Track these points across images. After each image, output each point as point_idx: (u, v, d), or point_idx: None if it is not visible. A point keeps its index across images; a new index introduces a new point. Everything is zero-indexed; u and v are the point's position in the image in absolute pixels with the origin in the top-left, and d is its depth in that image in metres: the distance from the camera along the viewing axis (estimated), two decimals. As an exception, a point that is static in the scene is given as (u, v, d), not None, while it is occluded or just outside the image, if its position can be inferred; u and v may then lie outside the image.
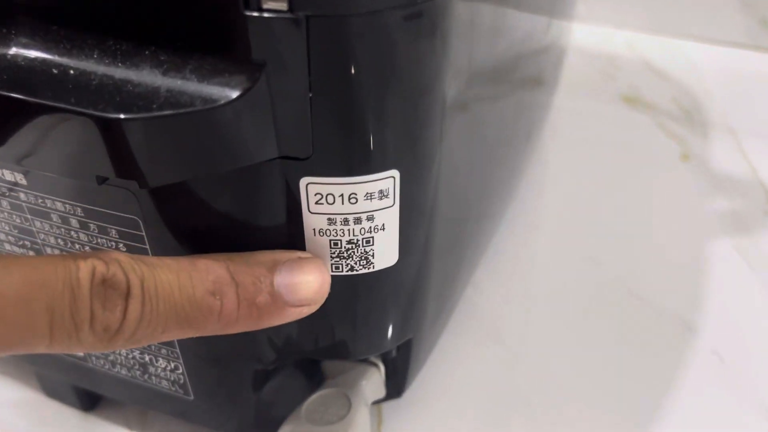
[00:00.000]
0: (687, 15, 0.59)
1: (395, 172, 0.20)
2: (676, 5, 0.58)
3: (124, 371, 0.27)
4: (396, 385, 0.29)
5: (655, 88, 0.54)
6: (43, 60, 0.18)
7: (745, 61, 0.57)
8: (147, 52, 0.18)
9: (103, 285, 0.17)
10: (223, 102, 0.17)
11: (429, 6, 0.17)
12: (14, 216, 0.23)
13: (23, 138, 0.18)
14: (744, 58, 0.57)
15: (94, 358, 0.27)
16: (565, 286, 0.38)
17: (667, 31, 0.60)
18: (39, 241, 0.23)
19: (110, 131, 0.17)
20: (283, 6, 0.16)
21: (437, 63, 0.19)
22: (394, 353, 0.28)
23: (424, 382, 0.32)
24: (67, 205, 0.22)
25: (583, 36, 0.57)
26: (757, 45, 0.58)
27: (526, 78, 0.34)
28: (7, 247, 0.25)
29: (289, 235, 0.21)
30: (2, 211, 0.23)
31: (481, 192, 0.31)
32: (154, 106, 0.17)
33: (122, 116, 0.16)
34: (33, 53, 0.18)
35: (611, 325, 0.36)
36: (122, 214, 0.21)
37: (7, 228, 0.24)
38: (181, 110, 0.17)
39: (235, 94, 0.17)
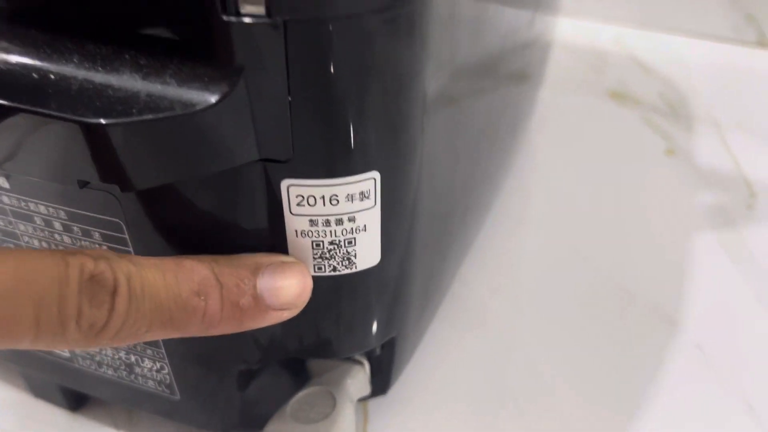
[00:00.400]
0: (674, 10, 0.59)
1: (376, 174, 0.20)
2: (663, 0, 0.59)
3: (110, 371, 0.27)
4: (381, 383, 0.29)
5: (642, 83, 0.54)
6: (24, 65, 0.18)
7: (731, 56, 0.57)
8: (127, 56, 0.18)
9: (91, 281, 0.17)
10: (202, 106, 0.17)
11: (407, 8, 0.18)
12: (-3, 218, 0.23)
13: (4, 143, 0.18)
14: (730, 53, 0.58)
15: (80, 359, 0.27)
16: (551, 280, 0.38)
17: (654, 26, 0.60)
18: (23, 243, 0.23)
19: (91, 136, 0.17)
20: (261, 11, 0.16)
21: (416, 62, 0.19)
22: (378, 351, 0.28)
23: (409, 378, 0.32)
24: (50, 208, 0.22)
25: (571, 31, 0.58)
26: (743, 40, 0.58)
27: (510, 72, 0.34)
28: (-9, 249, 0.25)
29: (271, 236, 0.21)
30: (-15, 214, 0.23)
31: (466, 188, 0.31)
32: (134, 110, 0.17)
33: (102, 121, 0.17)
34: (13, 58, 0.18)
35: (596, 319, 0.36)
36: (105, 217, 0.21)
37: (-10, 230, 0.24)
38: (161, 115, 0.17)
39: (214, 98, 0.17)
